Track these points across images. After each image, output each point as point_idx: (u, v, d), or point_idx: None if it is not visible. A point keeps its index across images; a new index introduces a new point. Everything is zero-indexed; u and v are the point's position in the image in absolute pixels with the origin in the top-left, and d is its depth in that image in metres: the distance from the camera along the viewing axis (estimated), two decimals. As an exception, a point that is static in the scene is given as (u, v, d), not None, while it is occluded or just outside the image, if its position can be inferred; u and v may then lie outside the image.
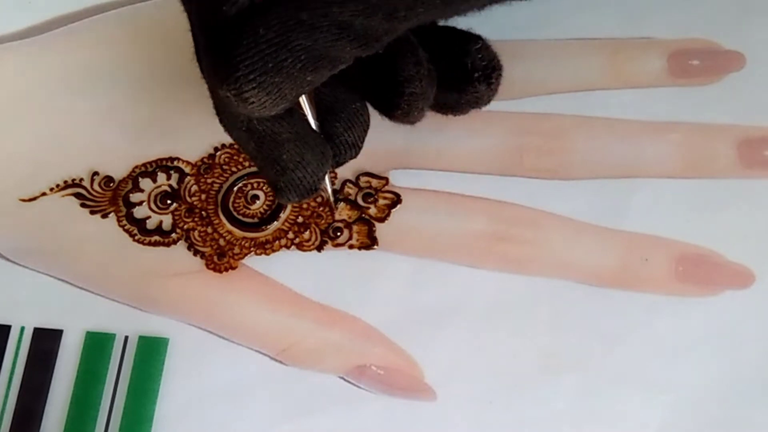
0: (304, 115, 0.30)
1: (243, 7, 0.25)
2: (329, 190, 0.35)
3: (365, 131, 0.32)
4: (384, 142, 0.37)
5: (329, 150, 0.30)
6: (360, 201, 0.36)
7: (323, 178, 0.30)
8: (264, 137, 0.28)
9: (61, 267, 0.36)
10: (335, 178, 0.36)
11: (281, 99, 0.26)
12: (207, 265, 0.35)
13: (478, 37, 0.32)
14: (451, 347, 0.35)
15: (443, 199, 0.36)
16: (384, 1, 0.25)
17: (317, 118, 0.30)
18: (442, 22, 0.32)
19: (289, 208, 0.36)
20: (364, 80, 0.31)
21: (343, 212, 0.36)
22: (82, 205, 0.36)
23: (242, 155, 0.37)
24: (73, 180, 0.37)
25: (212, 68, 0.26)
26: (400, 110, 0.31)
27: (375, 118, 0.32)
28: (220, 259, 0.35)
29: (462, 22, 0.30)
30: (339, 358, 0.34)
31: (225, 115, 0.29)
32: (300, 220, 0.36)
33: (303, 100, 0.30)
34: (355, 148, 0.31)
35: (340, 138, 0.31)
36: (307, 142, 0.29)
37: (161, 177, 0.37)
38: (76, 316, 0.35)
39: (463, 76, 0.32)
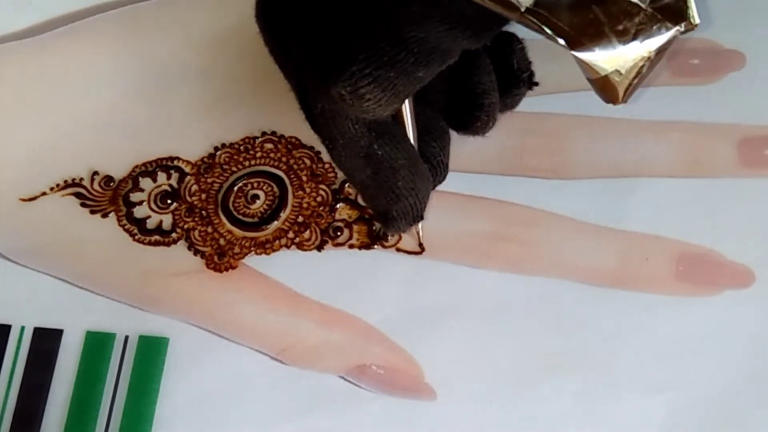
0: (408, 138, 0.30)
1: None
2: (420, 225, 0.34)
3: (449, 148, 0.32)
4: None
5: (430, 174, 0.30)
6: (360, 200, 0.36)
7: (427, 205, 0.30)
8: (382, 163, 0.28)
9: (61, 266, 0.36)
10: None
11: (395, 97, 0.25)
12: (207, 265, 0.35)
13: (517, 37, 0.32)
14: (451, 347, 0.35)
15: (443, 199, 0.36)
16: None
17: (415, 139, 0.30)
18: None
19: (289, 207, 0.36)
20: (441, 96, 0.31)
21: (343, 212, 0.36)
22: (82, 205, 0.36)
23: (242, 155, 0.37)
24: (73, 180, 0.37)
25: (322, 66, 0.25)
26: (479, 122, 0.31)
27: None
28: (221, 258, 0.35)
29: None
30: (339, 357, 0.34)
31: (343, 141, 0.28)
32: (300, 219, 0.36)
33: (407, 115, 0.29)
34: (446, 169, 0.32)
35: (438, 159, 0.31)
36: (418, 168, 0.29)
37: (161, 176, 0.37)
38: (76, 316, 0.35)
39: (509, 77, 0.32)
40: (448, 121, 0.32)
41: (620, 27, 0.23)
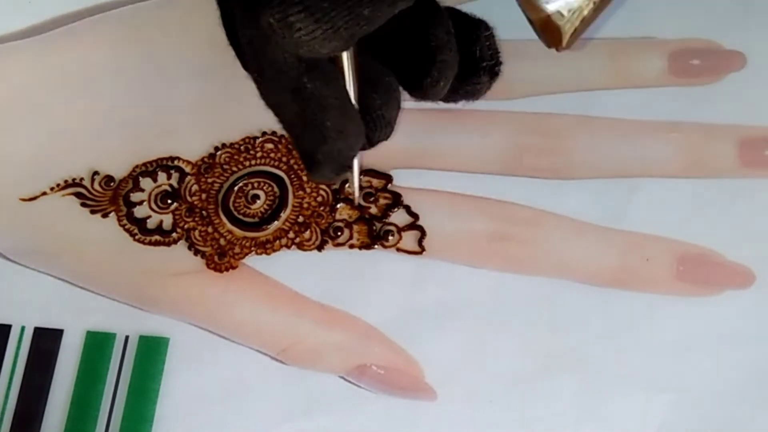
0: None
1: None
2: (356, 172, 0.32)
3: (399, 110, 0.30)
4: (386, 141, 0.37)
5: (363, 125, 0.28)
6: (360, 200, 0.36)
7: (356, 155, 0.28)
8: (311, 99, 0.27)
9: (62, 266, 0.36)
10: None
11: (333, 33, 0.24)
12: (207, 265, 0.35)
13: (487, 24, 0.30)
14: (451, 347, 0.35)
15: (444, 199, 0.36)
16: None
17: (355, 90, 0.28)
18: (450, 3, 0.30)
19: (289, 207, 0.36)
20: (393, 50, 0.29)
21: (343, 212, 0.36)
22: (83, 205, 0.36)
23: (242, 155, 0.37)
24: (74, 179, 0.37)
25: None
26: (429, 78, 0.28)
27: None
28: (221, 258, 0.35)
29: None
30: (339, 357, 0.34)
31: (271, 72, 0.27)
32: (300, 219, 0.36)
33: (346, 63, 0.28)
34: (389, 128, 0.29)
35: (377, 113, 0.29)
36: (350, 112, 0.28)
37: (162, 176, 0.37)
38: (76, 316, 0.35)
39: (468, 64, 0.30)
40: (401, 81, 0.30)
41: None
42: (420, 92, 0.29)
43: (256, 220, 0.36)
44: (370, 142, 0.29)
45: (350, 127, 0.27)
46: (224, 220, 0.36)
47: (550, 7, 0.22)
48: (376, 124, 0.29)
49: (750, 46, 0.39)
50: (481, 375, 0.34)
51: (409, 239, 0.36)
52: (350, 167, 0.29)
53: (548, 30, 0.23)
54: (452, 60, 0.29)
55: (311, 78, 0.26)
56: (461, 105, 0.32)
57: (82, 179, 0.37)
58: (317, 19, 0.23)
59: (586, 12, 0.23)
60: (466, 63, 0.29)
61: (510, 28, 0.37)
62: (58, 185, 0.36)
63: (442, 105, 0.31)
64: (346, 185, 0.36)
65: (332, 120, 0.27)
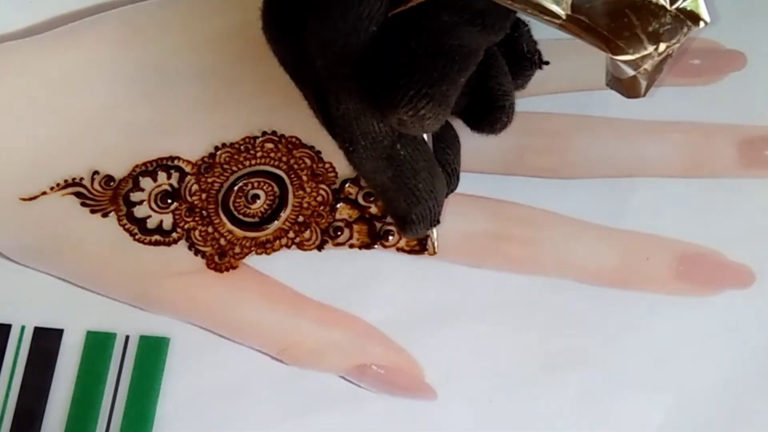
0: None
1: (379, 24, 0.25)
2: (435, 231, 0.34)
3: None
4: None
5: (446, 183, 0.31)
6: (360, 200, 0.36)
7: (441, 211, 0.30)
8: (404, 164, 0.28)
9: (62, 266, 0.36)
10: None
11: (447, 107, 0.26)
12: (208, 265, 0.35)
13: (522, 20, 0.32)
14: (451, 347, 0.35)
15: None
16: None
17: (431, 146, 0.30)
18: None
19: (289, 207, 0.36)
20: (461, 99, 0.30)
21: (343, 212, 0.36)
22: (83, 204, 0.36)
23: (242, 155, 0.37)
24: (74, 179, 0.37)
25: (377, 98, 0.26)
26: (499, 123, 0.31)
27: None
28: (221, 258, 0.35)
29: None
30: (339, 357, 0.34)
31: (366, 141, 0.28)
32: (300, 219, 0.36)
33: None
34: (458, 178, 0.32)
35: (452, 166, 0.31)
36: (436, 171, 0.30)
37: (162, 176, 0.37)
38: (76, 316, 0.35)
39: (519, 60, 0.32)
40: (466, 121, 0.32)
41: (650, 29, 0.24)
42: (488, 132, 0.32)
43: (257, 219, 0.36)
44: (447, 194, 0.31)
45: (438, 186, 0.30)
46: (224, 219, 0.36)
47: (637, 69, 0.24)
48: (451, 178, 0.31)
49: (750, 46, 0.39)
50: (481, 375, 0.34)
51: (409, 239, 0.36)
52: (438, 222, 0.31)
53: (632, 86, 0.25)
54: (514, 100, 0.31)
55: (403, 145, 0.28)
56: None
57: (82, 179, 0.37)
58: (440, 102, 0.25)
59: (663, 66, 0.24)
60: (516, 60, 0.32)
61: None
62: (58, 185, 0.36)
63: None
64: (346, 185, 0.36)
65: (423, 182, 0.29)
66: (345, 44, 0.26)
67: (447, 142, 0.32)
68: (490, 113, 0.31)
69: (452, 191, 0.32)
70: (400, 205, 0.30)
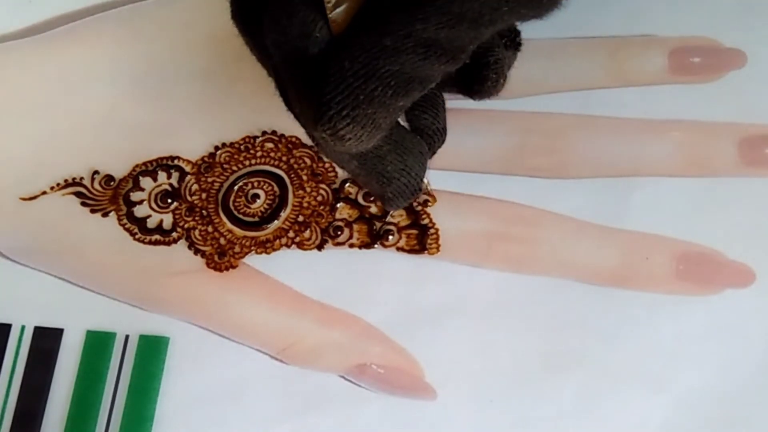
0: None
1: (323, 44, 0.25)
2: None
3: (446, 112, 0.31)
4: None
5: (425, 145, 0.30)
6: (360, 200, 0.36)
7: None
8: (366, 154, 0.28)
9: (62, 266, 0.36)
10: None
11: (376, 129, 0.25)
12: (207, 264, 0.35)
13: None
14: (451, 346, 0.35)
15: (444, 199, 0.36)
16: (467, 8, 0.24)
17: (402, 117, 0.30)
18: None
19: (289, 206, 0.36)
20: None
21: (343, 211, 0.36)
22: (83, 204, 0.36)
23: (242, 154, 0.37)
24: (74, 179, 0.37)
25: (304, 112, 0.25)
26: (489, 81, 0.30)
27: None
28: (221, 258, 0.35)
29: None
30: (339, 356, 0.34)
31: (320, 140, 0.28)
32: (300, 219, 0.36)
33: None
34: (444, 133, 0.31)
35: (432, 128, 0.31)
36: (406, 146, 0.29)
37: (162, 176, 0.37)
38: (76, 315, 0.35)
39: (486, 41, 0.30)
40: (461, 91, 0.31)
41: None
42: (484, 94, 0.31)
43: (256, 219, 0.36)
44: (432, 153, 0.31)
45: (411, 160, 0.29)
46: (224, 219, 0.36)
47: None
48: (433, 139, 0.31)
49: (750, 44, 0.39)
50: (481, 375, 0.34)
51: (409, 239, 0.36)
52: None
53: None
54: (502, 54, 0.30)
55: None
56: (463, 104, 0.33)
57: (82, 178, 0.37)
58: (363, 125, 0.25)
59: None
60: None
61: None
62: (58, 184, 0.36)
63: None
64: (346, 185, 0.36)
65: (391, 164, 0.29)
66: (293, 48, 0.25)
67: (423, 106, 0.31)
68: (477, 74, 0.30)
69: (440, 146, 0.31)
70: (374, 187, 0.29)
